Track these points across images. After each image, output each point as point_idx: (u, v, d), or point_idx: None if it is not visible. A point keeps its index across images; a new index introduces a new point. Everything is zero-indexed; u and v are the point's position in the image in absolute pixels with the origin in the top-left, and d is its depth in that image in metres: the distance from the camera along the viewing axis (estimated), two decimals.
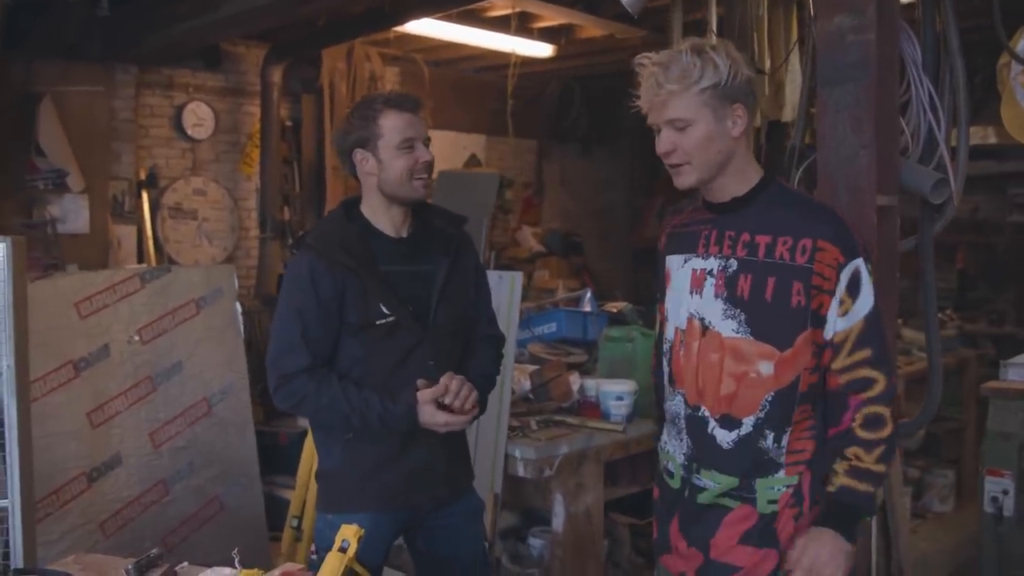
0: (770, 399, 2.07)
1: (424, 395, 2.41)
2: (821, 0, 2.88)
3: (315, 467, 4.01)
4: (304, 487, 4.14)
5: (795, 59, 5.24)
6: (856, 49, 2.77)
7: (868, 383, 2.06)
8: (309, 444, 4.14)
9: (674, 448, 2.24)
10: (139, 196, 6.87)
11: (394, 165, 2.47)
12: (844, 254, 2.03)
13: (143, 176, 6.92)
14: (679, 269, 2.22)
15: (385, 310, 2.45)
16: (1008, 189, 9.09)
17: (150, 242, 6.88)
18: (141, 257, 6.80)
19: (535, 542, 3.77)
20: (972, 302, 8.52)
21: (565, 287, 8.28)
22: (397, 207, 2.55)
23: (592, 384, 3.82)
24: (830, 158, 2.83)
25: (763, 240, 2.07)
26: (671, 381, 2.24)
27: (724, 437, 2.12)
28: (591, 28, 6.98)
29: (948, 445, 6.03)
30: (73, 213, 6.40)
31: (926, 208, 3.02)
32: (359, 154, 2.50)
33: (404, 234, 2.57)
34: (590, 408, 3.76)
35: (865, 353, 2.05)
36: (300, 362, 2.41)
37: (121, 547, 4.19)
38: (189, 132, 7.18)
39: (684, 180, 2.12)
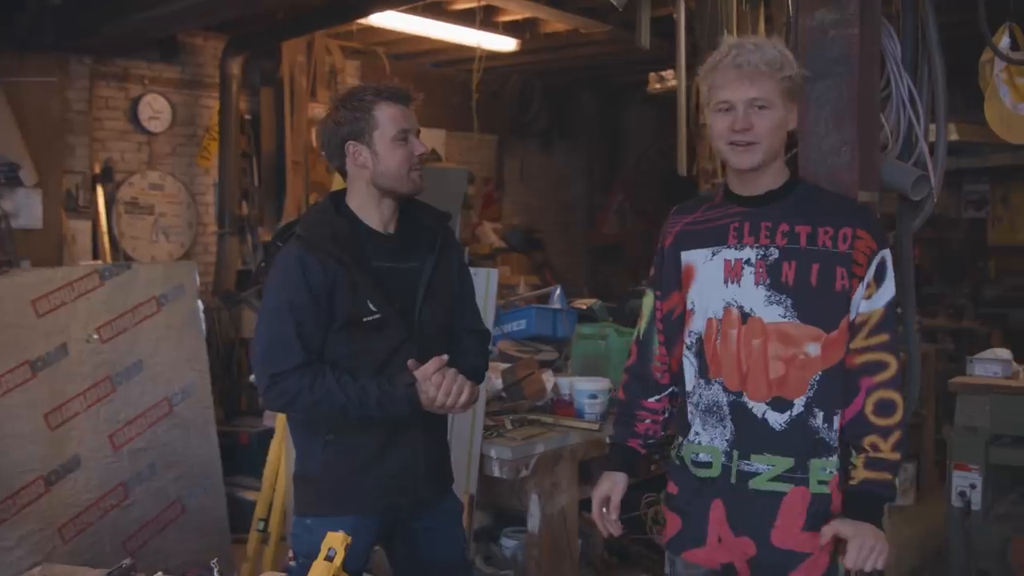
0: (818, 379, 2.15)
1: (422, 372, 2.34)
2: None
3: (282, 468, 3.96)
4: (270, 488, 4.06)
5: None
6: (838, 44, 2.73)
7: (881, 366, 2.16)
8: (276, 444, 4.06)
9: (712, 437, 2.25)
10: (94, 190, 6.71)
11: (390, 157, 2.40)
12: (876, 243, 2.17)
13: (98, 170, 6.76)
14: (707, 262, 2.25)
15: (372, 307, 2.38)
16: (963, 185, 9.23)
17: (105, 238, 6.73)
18: (96, 253, 6.64)
19: (508, 543, 3.72)
20: (928, 297, 8.61)
21: (526, 283, 8.25)
22: (388, 201, 2.48)
23: (566, 382, 3.77)
24: (812, 153, 2.79)
25: (803, 230, 2.17)
26: (703, 372, 2.26)
27: (776, 419, 2.17)
28: (556, 22, 6.94)
29: (909, 439, 6.06)
30: (26, 208, 6.23)
31: (905, 205, 3.01)
32: (352, 146, 2.42)
33: (391, 230, 2.51)
34: (564, 406, 3.72)
35: (883, 337, 2.16)
36: (293, 359, 2.33)
37: (80, 552, 4.08)
38: (145, 125, 7.04)
39: (751, 158, 2.18)
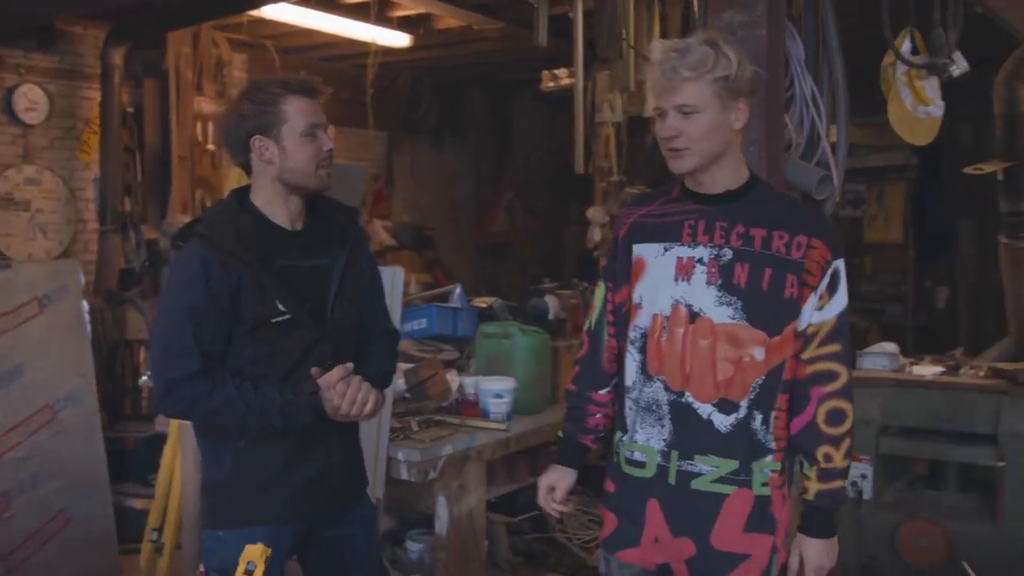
0: (760, 382, 2.15)
1: (326, 380, 2.27)
2: None
3: (176, 475, 3.82)
4: (164, 497, 3.91)
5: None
6: (747, 45, 2.77)
7: (833, 376, 2.17)
8: (170, 450, 3.91)
9: (648, 436, 2.23)
10: None
11: (299, 153, 2.32)
12: (831, 253, 2.16)
13: None
14: (658, 257, 2.23)
15: (281, 307, 2.30)
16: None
17: None
18: None
19: (413, 546, 3.68)
20: None
21: (417, 282, 8.18)
22: (296, 198, 2.39)
23: (471, 382, 3.74)
24: None
25: (758, 233, 2.15)
26: (644, 368, 2.24)
27: (722, 421, 2.17)
28: (450, 18, 6.89)
29: None
30: None
31: (807, 203, 3.08)
32: (259, 141, 2.32)
33: (299, 227, 2.42)
34: (469, 407, 3.68)
35: (835, 347, 2.17)
36: (191, 366, 2.23)
37: None
38: (21, 116, 6.68)
39: (683, 164, 2.17)
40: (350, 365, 2.32)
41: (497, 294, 5.87)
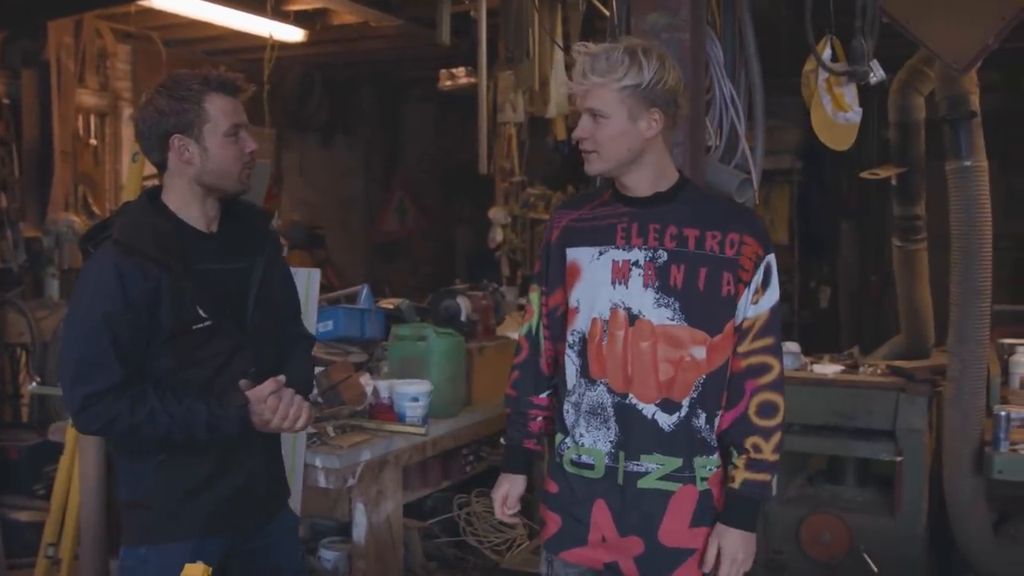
0: (702, 381, 2.20)
1: (256, 393, 2.20)
2: None
3: (74, 485, 3.65)
4: (60, 509, 3.74)
5: (559, 57, 5.33)
6: (670, 48, 2.76)
7: (766, 369, 2.23)
8: (67, 459, 3.73)
9: (595, 439, 2.25)
10: None
11: (221, 154, 2.22)
12: (763, 249, 2.22)
13: None
14: (593, 261, 2.25)
15: (203, 313, 2.20)
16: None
17: None
18: None
19: (328, 555, 3.59)
20: None
21: None
22: (212, 200, 2.29)
23: (385, 385, 3.68)
24: None
25: (691, 233, 2.19)
26: (584, 372, 2.25)
27: (665, 420, 2.21)
28: (347, 14, 6.77)
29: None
30: None
31: None
32: (178, 140, 2.21)
33: (214, 229, 2.32)
34: (384, 410, 3.61)
35: (767, 341, 2.22)
36: (110, 378, 2.11)
37: None
38: None
39: (591, 167, 2.23)
40: (282, 378, 2.25)
41: (392, 294, 5.81)
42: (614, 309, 2.21)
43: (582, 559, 2.30)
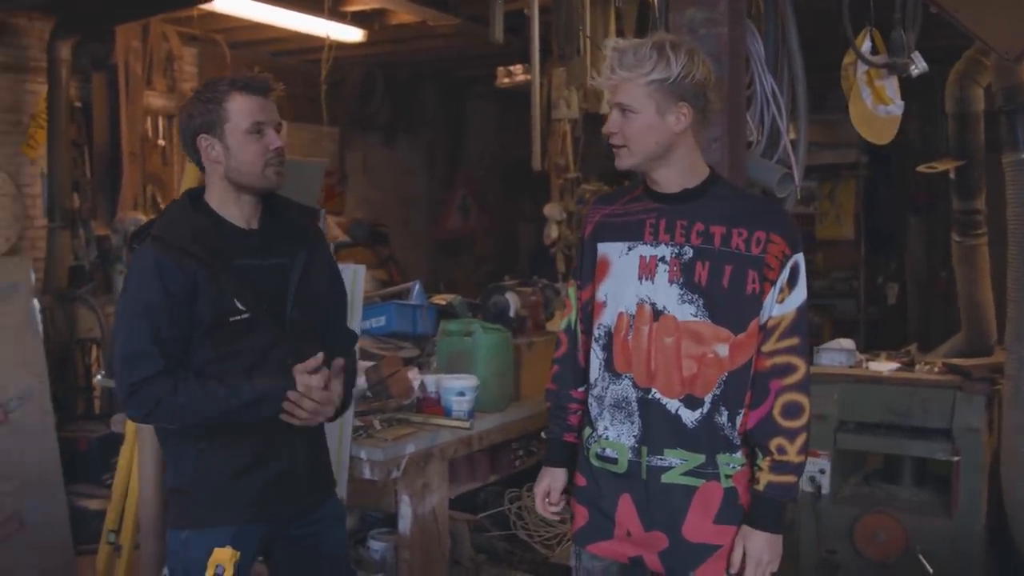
0: (724, 379, 2.19)
1: (302, 366, 2.28)
2: None
3: (134, 475, 3.76)
4: (121, 497, 3.85)
5: None
6: (708, 42, 2.78)
7: (791, 369, 2.20)
8: (127, 450, 3.85)
9: (619, 433, 2.27)
10: None
11: (243, 152, 2.29)
12: (790, 247, 2.20)
13: None
14: (622, 256, 2.26)
15: (240, 306, 2.28)
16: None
17: None
18: None
19: (376, 545, 3.65)
20: None
21: (373, 279, 8.13)
22: (247, 197, 2.37)
23: (432, 380, 3.72)
24: None
25: (718, 230, 2.18)
26: (609, 366, 2.27)
27: (689, 416, 2.21)
28: (405, 14, 6.85)
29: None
30: None
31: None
32: (204, 140, 2.31)
33: (255, 225, 2.40)
34: (431, 405, 3.66)
35: (793, 341, 2.20)
36: (153, 366, 2.20)
37: None
38: None
39: (621, 162, 2.25)
40: (321, 355, 2.31)
41: (452, 290, 5.86)
42: (640, 304, 2.22)
43: (608, 552, 2.32)
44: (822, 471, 4.19)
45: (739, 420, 2.22)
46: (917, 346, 4.80)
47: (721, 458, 2.22)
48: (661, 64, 2.13)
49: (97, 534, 4.27)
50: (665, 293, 2.20)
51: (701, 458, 2.21)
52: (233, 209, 2.36)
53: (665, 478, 2.22)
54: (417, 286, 4.69)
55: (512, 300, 4.21)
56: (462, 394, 3.60)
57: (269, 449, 2.36)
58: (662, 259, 2.20)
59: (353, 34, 7.14)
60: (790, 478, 2.20)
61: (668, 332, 2.19)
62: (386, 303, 4.52)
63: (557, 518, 2.54)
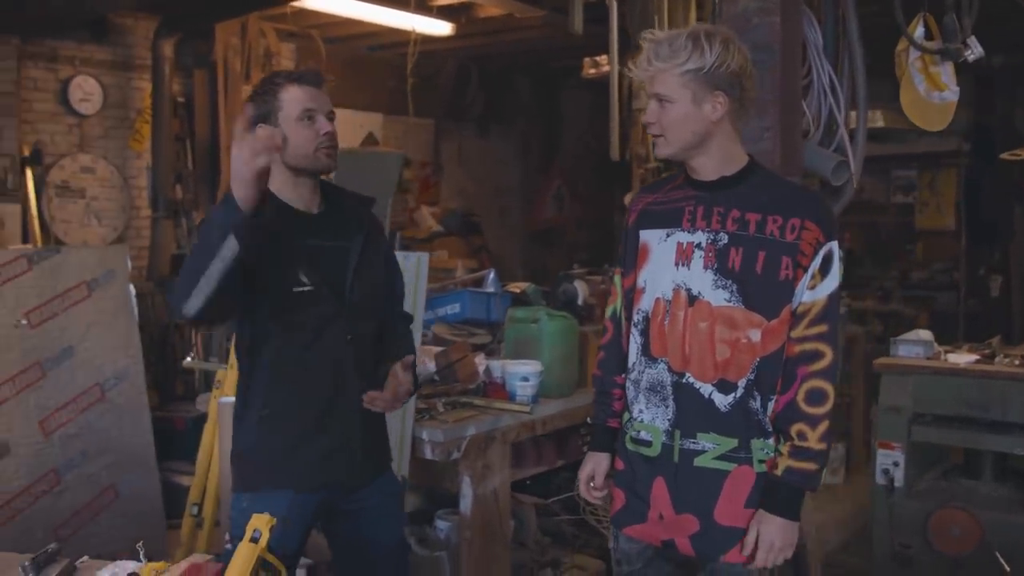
0: (757, 364, 2.22)
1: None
2: None
3: (215, 452, 3.96)
4: (204, 473, 4.06)
5: None
6: (761, 32, 2.81)
7: (818, 356, 2.21)
8: (209, 428, 4.05)
9: (653, 416, 2.31)
10: (23, 174, 6.57)
11: (296, 137, 2.44)
12: (824, 235, 2.20)
13: (27, 152, 6.61)
14: (661, 243, 2.32)
15: (304, 279, 2.42)
16: (892, 171, 9.43)
17: (35, 222, 6.59)
18: (26, 237, 6.51)
19: (442, 524, 3.76)
20: (858, 280, 8.81)
21: (464, 267, 8.25)
22: (304, 180, 2.51)
23: (498, 365, 3.81)
24: None
25: (753, 217, 2.22)
26: (646, 351, 2.32)
27: (722, 401, 2.24)
28: (491, 7, 6.94)
29: (838, 419, 6.22)
30: None
31: (826, 189, 3.10)
32: (261, 129, 2.44)
33: (314, 210, 2.55)
34: (496, 389, 3.75)
35: (822, 328, 2.21)
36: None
37: (11, 540, 4.03)
38: (76, 107, 6.90)
39: (660, 151, 2.29)
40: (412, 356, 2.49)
41: (545, 279, 5.93)
42: (676, 290, 2.26)
43: (642, 535, 2.36)
44: (896, 464, 4.15)
45: (771, 406, 2.24)
46: (1001, 338, 4.68)
47: (755, 443, 2.24)
48: (696, 54, 2.16)
49: None
50: (700, 279, 2.23)
51: (734, 442, 2.24)
52: (292, 193, 2.51)
53: (697, 461, 2.25)
54: (491, 274, 4.79)
55: (580, 288, 4.27)
56: (526, 379, 3.67)
57: (328, 418, 2.48)
58: (698, 245, 2.24)
59: (441, 27, 7.26)
60: (810, 465, 2.21)
61: (703, 317, 2.23)
62: (460, 291, 4.63)
63: (599, 502, 2.58)
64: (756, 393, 2.23)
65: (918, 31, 2.87)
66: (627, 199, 6.94)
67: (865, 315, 7.46)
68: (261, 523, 1.89)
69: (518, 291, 4.71)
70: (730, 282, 2.21)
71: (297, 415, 2.46)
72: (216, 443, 3.90)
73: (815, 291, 2.20)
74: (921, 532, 4.07)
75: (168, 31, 6.86)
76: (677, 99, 2.19)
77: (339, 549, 2.68)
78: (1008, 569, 3.78)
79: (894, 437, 4.16)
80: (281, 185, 2.50)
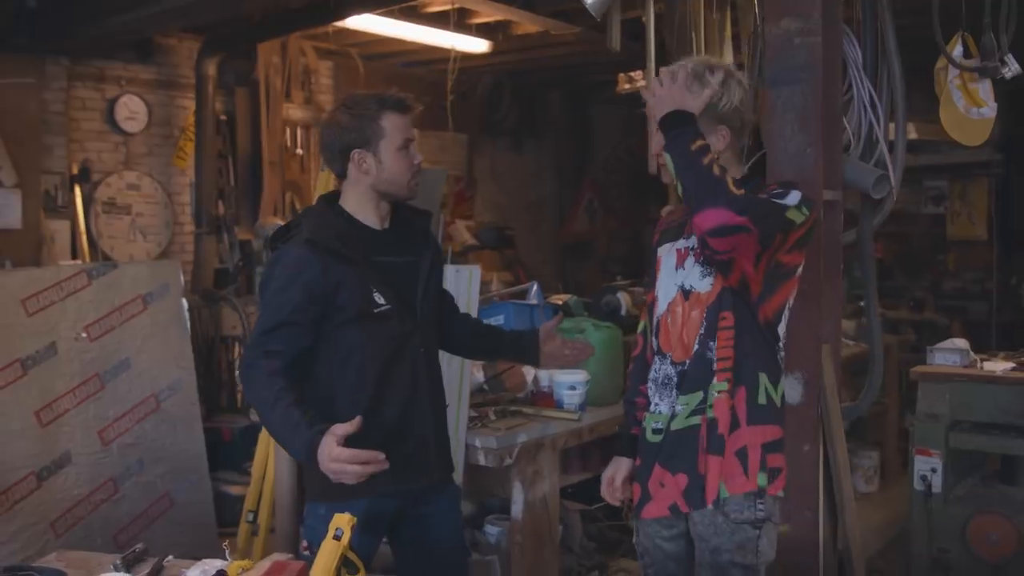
0: (707, 313, 2.39)
1: (338, 428, 2.27)
2: (770, 4, 3.00)
3: (270, 460, 4.08)
4: (259, 481, 4.18)
5: (728, 57, 5.39)
6: (803, 52, 2.90)
7: None
8: (264, 438, 4.17)
9: (665, 407, 2.47)
10: (72, 191, 6.76)
11: (396, 166, 2.53)
12: (779, 186, 2.41)
13: (75, 170, 6.80)
14: (667, 254, 2.52)
15: (381, 300, 2.51)
16: (923, 182, 9.47)
17: (84, 238, 6.78)
18: (75, 253, 6.70)
19: (492, 529, 3.86)
20: (890, 290, 8.85)
21: (499, 280, 8.36)
22: (385, 203, 2.61)
23: (545, 374, 3.91)
24: (778, 155, 2.96)
25: None
26: (658, 350, 2.50)
27: (689, 364, 2.43)
28: (527, 24, 7.07)
29: (872, 428, 6.29)
30: (5, 208, 6.29)
31: (867, 202, 3.18)
32: (358, 154, 2.52)
33: (386, 226, 2.64)
34: (544, 398, 3.85)
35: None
36: (287, 345, 2.43)
37: (72, 546, 4.16)
38: (122, 125, 7.09)
39: (664, 178, 2.46)
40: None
41: (578, 292, 6.03)
42: (678, 290, 2.45)
43: (654, 512, 2.48)
44: (934, 470, 4.21)
45: (714, 347, 2.37)
46: None
47: (709, 389, 2.38)
48: (702, 87, 2.35)
49: (237, 517, 4.61)
50: (692, 273, 2.43)
51: (700, 395, 2.39)
52: (371, 213, 2.60)
53: (674, 425, 2.42)
54: (535, 286, 4.88)
55: (623, 299, 4.37)
56: (573, 388, 3.78)
57: (404, 427, 2.57)
58: (691, 248, 2.43)
59: (479, 45, 7.39)
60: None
61: (695, 306, 2.41)
62: (505, 303, 4.73)
63: (619, 504, 2.72)
64: (710, 342, 2.38)
65: (957, 49, 2.97)
66: (664, 211, 7.08)
67: (898, 325, 7.51)
68: (343, 521, 1.99)
69: (560, 303, 4.82)
70: (711, 268, 2.38)
71: (375, 424, 2.51)
72: (272, 452, 4.02)
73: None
74: (960, 538, 4.13)
75: (211, 51, 7.05)
76: None
77: (403, 554, 2.75)
78: None
79: (932, 444, 4.22)
80: (360, 206, 2.59)
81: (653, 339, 2.53)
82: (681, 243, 2.48)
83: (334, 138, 2.56)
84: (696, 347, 2.39)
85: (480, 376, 3.95)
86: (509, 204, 10.62)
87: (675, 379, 2.44)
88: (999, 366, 4.26)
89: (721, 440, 2.37)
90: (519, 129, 10.32)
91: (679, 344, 2.43)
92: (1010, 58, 2.85)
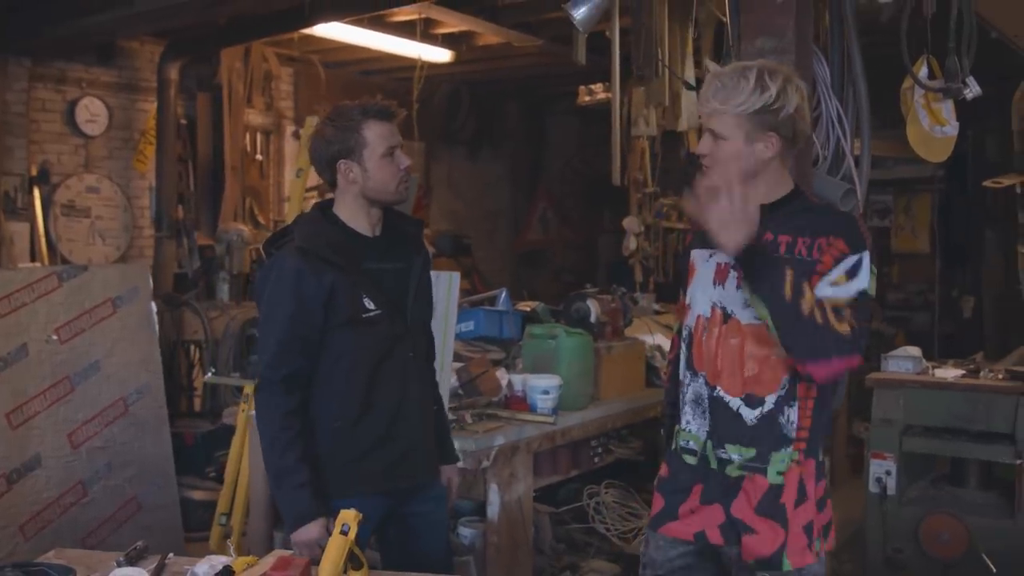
0: (788, 378, 2.32)
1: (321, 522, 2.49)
2: (746, 23, 3.13)
3: (244, 463, 4.11)
4: (232, 485, 4.21)
5: (689, 72, 5.53)
6: None
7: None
8: (238, 440, 4.21)
9: (698, 427, 2.45)
10: (31, 193, 6.70)
11: (381, 173, 2.59)
12: (849, 247, 2.26)
13: (35, 172, 6.75)
14: (705, 262, 2.45)
15: (371, 305, 2.58)
16: (869, 195, 9.71)
17: (43, 240, 6.72)
18: (34, 256, 6.64)
19: (466, 531, 3.92)
20: None
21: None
22: (376, 209, 2.68)
23: (519, 379, 4.00)
24: None
25: (784, 239, 2.31)
26: (690, 365, 2.47)
27: (749, 414, 2.36)
28: (490, 35, 7.16)
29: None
30: None
31: None
32: (343, 164, 2.59)
33: (377, 233, 2.70)
34: (517, 402, 3.94)
35: (844, 314, 2.21)
36: (299, 363, 2.54)
37: (41, 549, 4.10)
38: (82, 128, 7.06)
39: (707, 181, 2.31)
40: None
41: (533, 300, 6.14)
42: (713, 307, 2.41)
43: (676, 531, 2.49)
44: (888, 473, 4.35)
45: (795, 415, 2.34)
46: (984, 355, 4.93)
47: (775, 456, 2.34)
48: (754, 96, 2.24)
49: (203, 522, 4.64)
50: (733, 297, 2.35)
51: (752, 452, 2.35)
52: (363, 221, 2.67)
53: (729, 470, 2.39)
54: (504, 293, 4.97)
55: (593, 307, 4.47)
56: (546, 392, 3.87)
57: (396, 427, 2.65)
58: (734, 266, 2.33)
59: (442, 55, 7.47)
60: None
61: (734, 334, 2.35)
62: (475, 309, 4.81)
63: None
64: (786, 407, 2.33)
65: (922, 71, 3.12)
66: (625, 223, 7.23)
67: None
68: (349, 517, 2.05)
69: (528, 309, 4.91)
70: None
71: (369, 425, 2.61)
72: (246, 455, 4.05)
73: (837, 287, 2.23)
74: (913, 538, 4.28)
75: (174, 55, 7.03)
76: (730, 136, 2.28)
77: (389, 553, 2.81)
78: (995, 570, 4.01)
79: (887, 448, 4.36)
80: (352, 214, 2.66)
81: (684, 348, 2.50)
82: (723, 257, 2.36)
83: (321, 150, 2.63)
84: (769, 406, 2.33)
85: (454, 380, 4.03)
86: (465, 212, 10.70)
87: (706, 401, 2.41)
88: (950, 373, 4.43)
89: (783, 509, 2.35)
90: (477, 139, 10.41)
91: (711, 368, 2.39)
92: (971, 80, 3.00)
